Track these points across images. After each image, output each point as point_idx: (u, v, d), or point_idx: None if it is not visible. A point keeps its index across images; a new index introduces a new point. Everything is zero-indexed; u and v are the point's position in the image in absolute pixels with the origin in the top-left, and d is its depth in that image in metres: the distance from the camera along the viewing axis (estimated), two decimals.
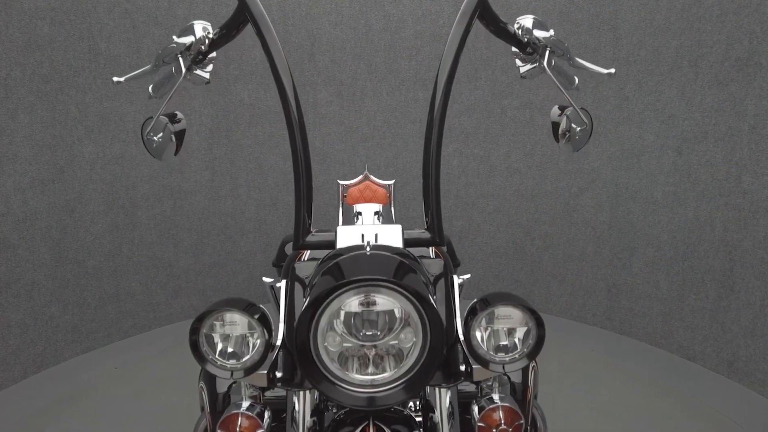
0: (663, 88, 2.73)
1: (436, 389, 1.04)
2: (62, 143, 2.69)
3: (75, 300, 2.82)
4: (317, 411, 1.07)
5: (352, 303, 0.86)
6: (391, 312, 0.87)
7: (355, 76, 3.41)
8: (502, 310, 0.89)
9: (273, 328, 0.90)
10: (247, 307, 0.90)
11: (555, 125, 1.30)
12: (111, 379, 2.63)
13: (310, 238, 1.18)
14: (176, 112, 1.30)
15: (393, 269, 0.85)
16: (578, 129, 1.25)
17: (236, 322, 0.90)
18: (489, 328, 0.91)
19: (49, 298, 2.71)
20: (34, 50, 2.54)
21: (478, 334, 0.90)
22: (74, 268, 2.80)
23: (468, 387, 1.16)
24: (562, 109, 1.29)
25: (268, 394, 1.14)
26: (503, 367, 0.90)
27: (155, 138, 1.25)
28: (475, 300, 0.92)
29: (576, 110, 1.22)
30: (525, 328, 0.90)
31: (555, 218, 3.27)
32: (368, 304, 0.86)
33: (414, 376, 0.88)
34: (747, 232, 2.44)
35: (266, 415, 0.98)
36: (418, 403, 1.15)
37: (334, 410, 1.06)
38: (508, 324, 0.90)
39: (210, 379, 1.19)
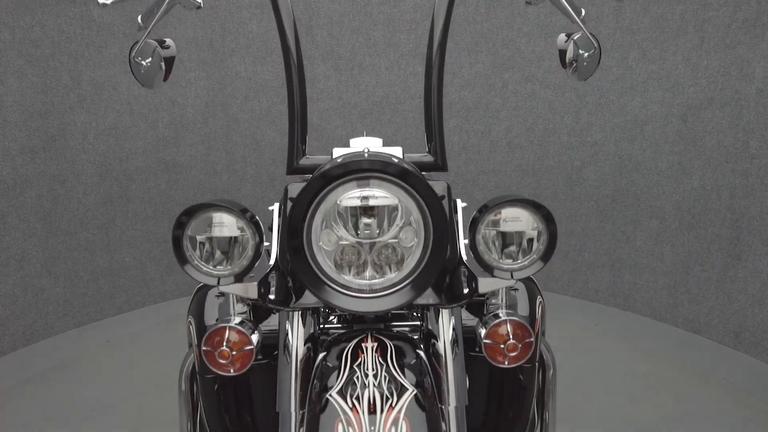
0: (667, 55, 2.67)
1: (440, 316, 0.97)
2: (53, 110, 2.63)
3: (66, 272, 2.76)
4: (312, 338, 1.01)
5: (349, 199, 0.80)
6: (390, 211, 0.81)
7: (354, 51, 3.35)
8: (509, 212, 0.83)
9: (263, 232, 0.84)
10: (240, 210, 0.84)
11: (562, 53, 1.24)
12: (102, 351, 2.56)
13: (303, 161, 1.12)
14: (165, 39, 1.24)
15: (393, 165, 0.80)
16: (586, 55, 1.20)
17: (224, 223, 0.84)
18: (496, 233, 0.85)
19: (39, 269, 2.64)
20: (23, 13, 2.48)
21: (483, 240, 0.84)
22: (66, 240, 2.74)
23: (471, 322, 1.10)
24: (568, 35, 1.23)
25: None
26: (512, 275, 0.84)
27: (143, 62, 1.19)
28: (481, 205, 0.87)
29: (585, 32, 1.16)
30: (535, 233, 0.84)
31: (557, 193, 3.21)
32: (367, 200, 0.79)
33: (416, 278, 0.82)
34: (755, 198, 2.39)
35: (256, 337, 0.92)
36: (419, 334, 1.09)
37: (329, 336, 1.00)
38: (516, 227, 0.84)
39: (198, 313, 1.12)
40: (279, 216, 1.02)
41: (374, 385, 0.76)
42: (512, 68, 3.20)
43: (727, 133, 2.47)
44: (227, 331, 0.86)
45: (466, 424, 0.90)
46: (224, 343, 0.86)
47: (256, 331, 0.92)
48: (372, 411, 0.71)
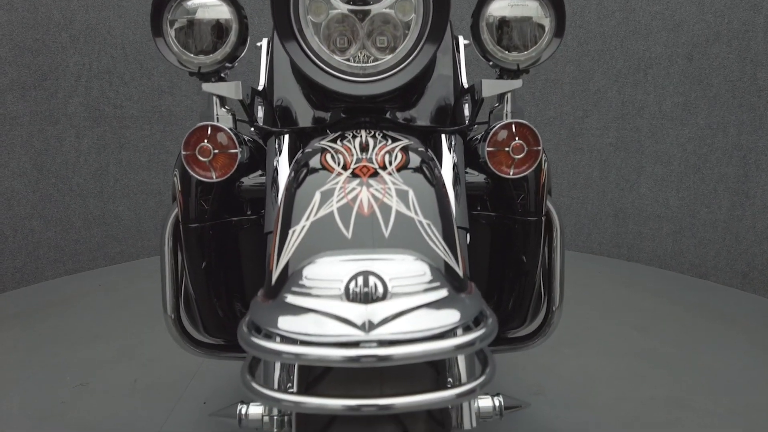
0: None
1: (442, 144, 0.91)
2: (45, 48, 2.57)
3: (58, 217, 2.70)
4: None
5: None
6: None
7: None
8: None
9: (247, 23, 0.78)
10: None
11: None
12: (95, 293, 2.50)
13: None
14: None
15: None
16: None
17: (207, 4, 0.78)
18: (502, 28, 0.78)
19: (29, 210, 2.58)
20: None
21: (487, 28, 0.78)
22: (57, 183, 2.68)
23: (473, 178, 1.04)
24: None
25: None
26: (518, 68, 0.78)
27: None
28: None
29: None
30: (544, 19, 0.77)
31: (559, 145, 3.15)
32: None
33: (414, 58, 0.75)
34: (763, 131, 2.33)
35: (243, 150, 0.85)
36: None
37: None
38: (523, 12, 0.77)
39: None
40: (267, 54, 0.97)
41: (368, 135, 0.69)
42: None
43: (734, 67, 2.41)
44: (209, 129, 0.80)
45: (467, 248, 0.84)
46: (206, 140, 0.79)
47: (242, 145, 0.85)
48: (364, 148, 0.65)
